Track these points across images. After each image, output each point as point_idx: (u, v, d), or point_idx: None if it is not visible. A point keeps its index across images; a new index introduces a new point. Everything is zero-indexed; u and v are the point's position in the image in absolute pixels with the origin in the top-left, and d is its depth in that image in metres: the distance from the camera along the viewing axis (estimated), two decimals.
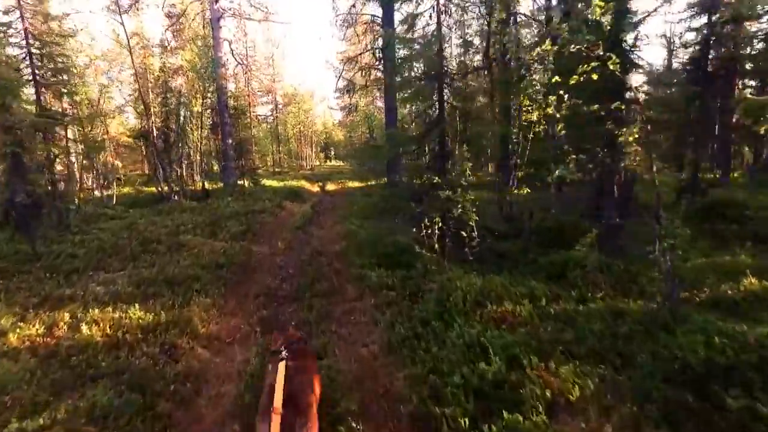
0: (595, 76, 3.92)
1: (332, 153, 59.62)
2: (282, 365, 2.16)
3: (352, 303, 4.70)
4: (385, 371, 3.29)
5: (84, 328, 4.06)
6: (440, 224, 5.50)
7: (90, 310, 4.46)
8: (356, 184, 19.96)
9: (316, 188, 19.87)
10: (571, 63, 4.38)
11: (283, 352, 2.30)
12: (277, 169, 37.59)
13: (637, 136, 4.10)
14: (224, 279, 5.68)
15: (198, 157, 20.24)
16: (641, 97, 6.00)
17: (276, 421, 1.80)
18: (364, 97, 31.58)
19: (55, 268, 6.21)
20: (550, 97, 5.62)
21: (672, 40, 19.67)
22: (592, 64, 3.88)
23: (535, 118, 6.34)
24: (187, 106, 19.33)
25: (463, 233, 5.45)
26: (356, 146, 42.88)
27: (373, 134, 26.24)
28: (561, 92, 4.98)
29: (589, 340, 3.25)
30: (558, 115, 5.74)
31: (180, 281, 5.39)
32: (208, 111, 17.88)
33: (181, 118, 14.57)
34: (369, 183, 19.50)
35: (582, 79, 4.02)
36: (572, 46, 3.94)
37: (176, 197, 12.22)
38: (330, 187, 19.92)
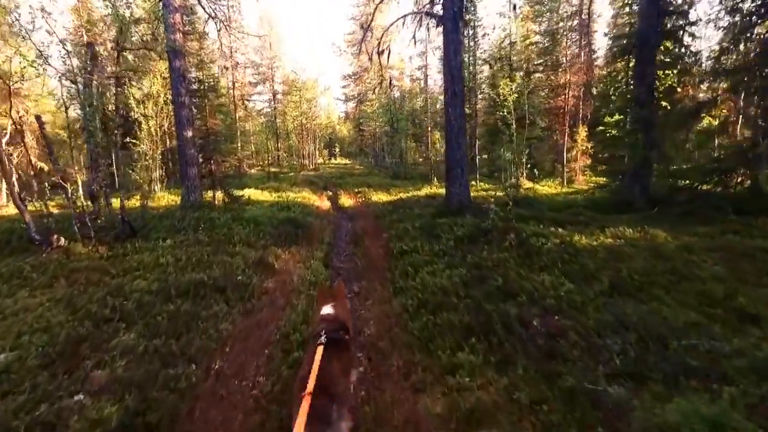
0: None
1: (337, 150, 53.75)
2: (320, 350, 1.97)
3: None
4: None
5: None
6: None
7: None
8: (382, 195, 13.96)
9: (325, 202, 13.88)
10: None
11: (323, 337, 2.06)
12: (274, 170, 31.62)
13: None
14: None
15: (158, 158, 14.29)
16: None
17: (306, 402, 1.64)
18: (376, 85, 25.59)
19: None
20: None
21: None
22: None
23: None
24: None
25: None
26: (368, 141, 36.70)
27: (395, 125, 20.21)
28: None
29: None
30: None
31: None
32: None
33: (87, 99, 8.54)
34: (401, 195, 13.52)
35: None
36: None
37: (60, 242, 6.25)
38: (345, 200, 13.94)
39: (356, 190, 15.78)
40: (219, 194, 10.68)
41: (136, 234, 7.05)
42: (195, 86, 10.12)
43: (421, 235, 7.19)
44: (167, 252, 6.16)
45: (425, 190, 13.93)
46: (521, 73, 14.98)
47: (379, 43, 9.88)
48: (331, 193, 16.15)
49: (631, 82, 9.53)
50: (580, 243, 6.03)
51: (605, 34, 22.23)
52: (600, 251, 5.68)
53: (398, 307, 4.50)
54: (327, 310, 2.44)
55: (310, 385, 1.72)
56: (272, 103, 36.16)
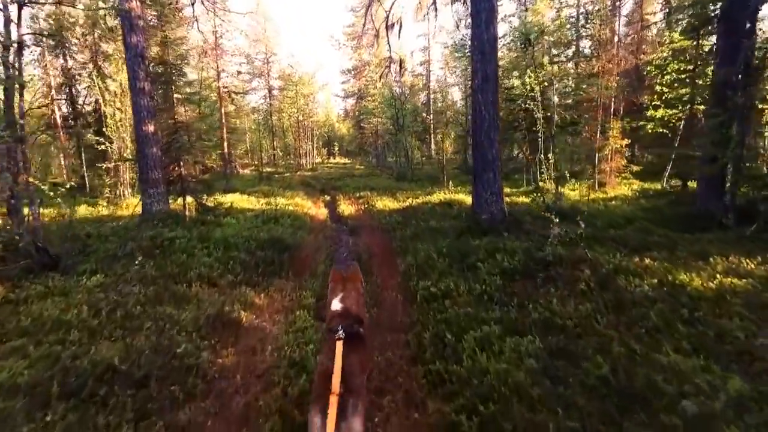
0: None
1: (336, 149, 51.92)
2: (339, 345, 1.88)
3: None
4: None
5: None
6: None
7: None
8: (387, 201, 12.02)
9: (321, 209, 11.95)
10: None
11: (340, 332, 1.96)
12: (269, 170, 29.70)
13: None
14: None
15: (126, 157, 12.32)
16: None
17: (333, 402, 1.63)
18: (380, 72, 23.66)
19: None
20: None
21: None
22: None
23: None
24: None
25: None
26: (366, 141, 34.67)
27: (400, 121, 18.29)
28: None
29: None
30: None
31: None
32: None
33: None
34: (411, 201, 11.60)
35: None
36: None
37: None
38: (345, 206, 11.98)
39: (357, 195, 13.83)
40: (191, 202, 8.75)
41: (57, 265, 5.09)
42: (159, 70, 8.15)
43: (450, 266, 5.24)
44: (86, 297, 4.21)
45: (438, 196, 11.99)
46: (548, 58, 13.04)
47: (388, 15, 7.92)
48: (328, 198, 14.22)
49: (704, 61, 7.63)
50: (692, 285, 4.10)
51: (626, 16, 20.68)
52: (731, 302, 3.75)
53: (441, 427, 2.56)
54: (336, 305, 2.26)
55: (335, 384, 1.69)
56: (268, 99, 34.19)
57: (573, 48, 19.32)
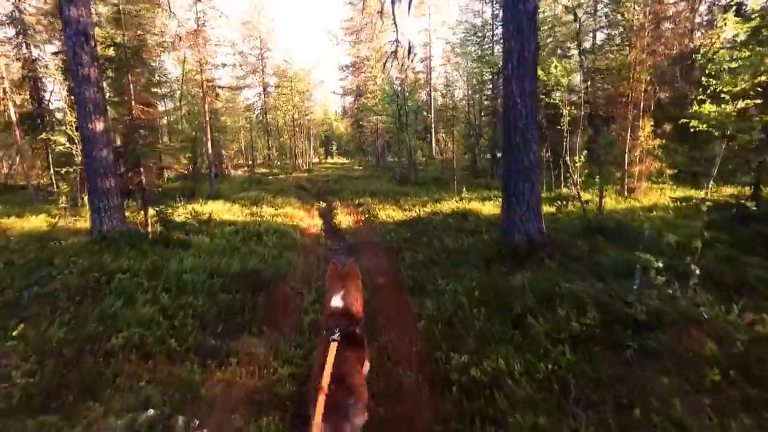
0: None
1: (334, 148, 50.44)
2: (333, 346, 1.90)
3: None
4: None
5: None
6: None
7: None
8: (391, 210, 10.50)
9: (315, 220, 10.40)
10: None
11: (336, 334, 1.98)
12: (263, 171, 28.19)
13: None
14: None
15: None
16: None
17: (321, 399, 1.64)
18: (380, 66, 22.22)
19: None
20: None
21: None
22: None
23: None
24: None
25: None
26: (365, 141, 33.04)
27: (403, 119, 16.77)
28: None
29: None
30: None
31: None
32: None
33: None
34: (418, 211, 10.08)
35: None
36: None
37: None
38: (342, 216, 10.40)
39: (357, 201, 12.31)
40: (155, 216, 7.20)
41: None
42: (110, 53, 6.59)
43: (489, 320, 3.71)
44: None
45: (448, 204, 10.48)
46: (585, 45, 11.53)
47: None
48: (324, 205, 12.68)
49: None
50: None
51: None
52: None
53: None
54: (336, 302, 2.25)
55: (325, 382, 1.68)
56: (262, 96, 32.60)
57: (589, 40, 17.89)
